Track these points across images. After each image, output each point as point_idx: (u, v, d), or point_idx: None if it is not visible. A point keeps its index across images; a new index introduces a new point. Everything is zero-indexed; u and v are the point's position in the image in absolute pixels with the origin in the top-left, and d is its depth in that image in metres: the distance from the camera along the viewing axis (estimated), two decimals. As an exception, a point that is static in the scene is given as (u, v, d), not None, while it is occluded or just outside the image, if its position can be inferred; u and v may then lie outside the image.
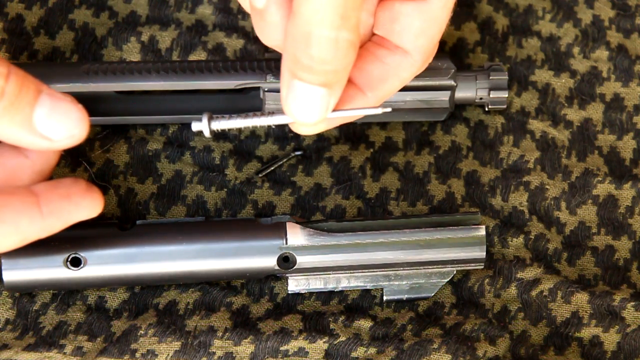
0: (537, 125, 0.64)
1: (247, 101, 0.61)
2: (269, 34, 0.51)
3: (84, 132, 0.48)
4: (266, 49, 0.64)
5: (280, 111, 0.50)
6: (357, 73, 0.52)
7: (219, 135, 0.62)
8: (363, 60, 0.52)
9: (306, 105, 0.49)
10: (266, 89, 0.59)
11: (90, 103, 0.60)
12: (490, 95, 0.62)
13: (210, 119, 0.51)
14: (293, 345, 0.57)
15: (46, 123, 0.48)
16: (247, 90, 0.61)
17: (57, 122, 0.48)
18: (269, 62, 0.60)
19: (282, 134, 0.63)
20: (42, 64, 0.62)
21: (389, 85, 0.53)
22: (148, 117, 0.61)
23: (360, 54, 0.51)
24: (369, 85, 0.52)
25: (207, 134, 0.51)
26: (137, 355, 0.56)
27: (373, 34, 0.54)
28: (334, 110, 0.50)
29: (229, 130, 0.52)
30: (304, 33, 0.46)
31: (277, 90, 0.59)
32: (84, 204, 0.50)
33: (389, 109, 0.52)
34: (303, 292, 0.58)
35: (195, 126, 0.51)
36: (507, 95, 0.62)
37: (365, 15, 0.52)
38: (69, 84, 0.59)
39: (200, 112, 0.61)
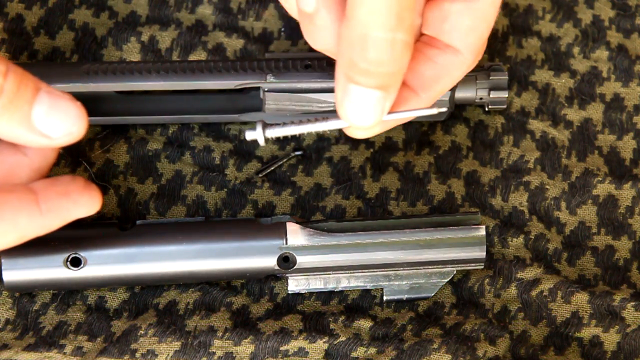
0: (537, 125, 0.64)
1: (247, 101, 0.61)
2: (318, 37, 0.51)
3: (83, 130, 0.48)
4: (266, 49, 0.64)
5: (334, 116, 0.50)
6: (409, 74, 0.52)
7: (219, 135, 0.62)
8: (415, 61, 0.52)
9: (363, 109, 0.49)
10: (266, 89, 0.59)
11: (90, 103, 0.60)
12: (490, 95, 0.62)
13: (264, 127, 0.51)
14: (293, 345, 0.57)
15: (45, 120, 0.48)
16: (247, 90, 0.61)
17: (56, 119, 0.48)
18: (269, 62, 0.60)
19: (282, 134, 0.63)
20: (42, 64, 0.62)
21: (442, 84, 0.53)
22: (148, 117, 0.61)
23: (412, 55, 0.50)
24: (422, 85, 0.52)
25: (261, 142, 0.51)
26: (137, 355, 0.56)
27: (422, 34, 0.54)
28: (389, 113, 0.50)
29: (284, 137, 0.51)
30: (360, 36, 0.46)
31: (277, 90, 0.59)
32: (82, 202, 0.50)
33: (444, 109, 0.52)
34: (303, 292, 0.58)
35: (250, 135, 0.51)
36: (507, 95, 0.62)
37: (415, 16, 0.52)
38: (69, 84, 0.59)
39: (200, 112, 0.61)
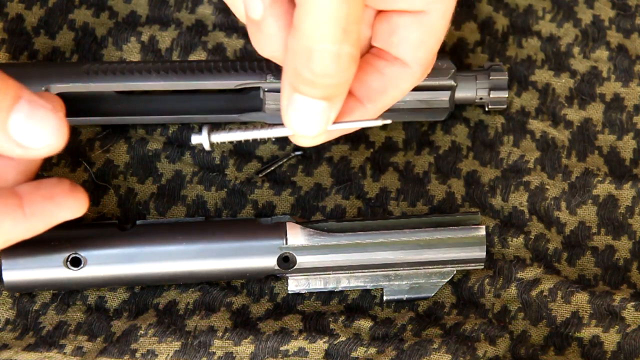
0: (537, 125, 0.64)
1: (247, 101, 0.61)
2: (265, 45, 0.50)
3: (61, 143, 0.47)
4: (266, 49, 0.65)
5: (279, 124, 0.50)
6: (356, 85, 0.52)
7: (219, 135, 0.62)
8: (362, 71, 0.52)
9: (307, 119, 0.49)
10: (266, 89, 0.59)
11: (90, 103, 0.60)
12: (490, 95, 0.62)
13: (210, 132, 0.51)
14: (293, 345, 0.57)
15: (21, 130, 0.46)
16: (247, 90, 0.61)
17: (33, 130, 0.46)
18: (269, 62, 0.60)
19: (282, 134, 0.63)
20: (42, 64, 0.62)
21: (389, 96, 0.53)
22: (148, 117, 0.61)
23: (359, 66, 0.51)
24: (368, 96, 0.52)
25: (207, 146, 0.51)
26: (137, 355, 0.56)
27: (371, 46, 0.53)
28: (334, 123, 0.50)
29: (229, 142, 0.52)
30: (305, 47, 0.46)
31: (277, 90, 0.59)
32: (67, 205, 0.49)
33: (388, 121, 0.52)
34: (303, 292, 0.58)
35: (195, 139, 0.51)
36: (507, 95, 0.62)
37: (364, 28, 0.52)
38: (69, 84, 0.59)
39: (200, 112, 0.61)
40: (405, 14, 0.52)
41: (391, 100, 0.53)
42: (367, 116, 0.52)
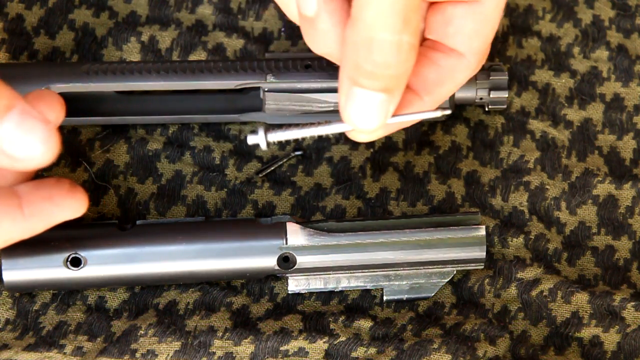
0: (537, 125, 0.64)
1: (247, 101, 0.61)
2: (320, 42, 0.50)
3: (48, 156, 0.46)
4: (266, 49, 0.64)
5: (337, 120, 0.50)
6: (413, 77, 0.51)
7: (219, 135, 0.62)
8: (418, 64, 0.52)
9: (367, 113, 0.48)
10: (266, 89, 0.59)
11: (90, 103, 0.60)
12: (490, 95, 0.62)
13: (266, 132, 0.50)
14: (293, 345, 0.57)
15: (9, 140, 0.46)
16: (247, 90, 0.61)
17: (22, 141, 0.46)
18: (269, 62, 0.60)
19: (282, 134, 0.63)
20: (42, 64, 0.62)
21: (446, 88, 0.53)
22: (148, 117, 0.61)
23: (416, 59, 0.50)
24: (426, 89, 0.52)
25: (264, 147, 0.50)
26: (137, 355, 0.56)
27: (425, 39, 0.53)
28: (393, 116, 0.50)
29: (286, 141, 0.52)
30: (365, 38, 0.46)
31: (277, 90, 0.59)
32: (66, 205, 0.49)
33: (448, 111, 0.52)
34: (303, 292, 0.58)
35: (252, 139, 0.50)
36: (507, 95, 0.62)
37: (419, 19, 0.52)
38: (69, 84, 0.59)
39: (200, 112, 0.61)
40: (459, 4, 0.52)
41: (448, 91, 0.53)
42: (424, 109, 0.52)
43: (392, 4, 0.45)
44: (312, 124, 0.51)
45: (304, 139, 0.62)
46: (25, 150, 0.46)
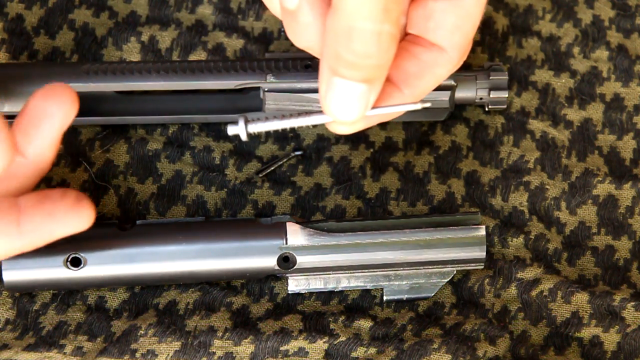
0: (537, 125, 0.64)
1: (247, 101, 0.61)
2: (301, 35, 0.50)
3: (4, 161, 0.47)
4: (266, 49, 0.64)
5: (317, 111, 0.50)
6: (393, 70, 0.51)
7: (219, 135, 0.62)
8: (399, 57, 0.52)
9: (346, 103, 0.48)
10: (266, 89, 0.59)
11: (90, 103, 0.60)
12: (490, 95, 0.62)
13: (246, 122, 0.50)
14: (293, 345, 0.57)
15: None
16: (247, 90, 0.61)
17: None
18: (268, 62, 0.60)
19: (282, 134, 0.63)
20: (42, 64, 0.62)
21: (426, 81, 0.52)
22: (148, 117, 0.61)
23: (396, 52, 0.50)
24: (406, 81, 0.52)
25: (244, 137, 0.50)
26: (137, 355, 0.56)
27: (407, 34, 0.53)
28: (372, 108, 0.49)
29: (266, 131, 0.52)
30: (346, 27, 0.46)
31: (277, 90, 0.59)
32: (68, 221, 0.49)
33: (428, 104, 0.51)
34: (303, 292, 0.58)
35: (232, 130, 0.50)
36: (507, 95, 0.62)
37: (400, 13, 0.52)
38: (68, 84, 0.58)
39: (200, 112, 0.61)
40: None
41: (428, 85, 0.53)
42: (404, 101, 0.52)
43: None
44: (292, 115, 0.51)
45: (303, 137, 0.63)
46: None
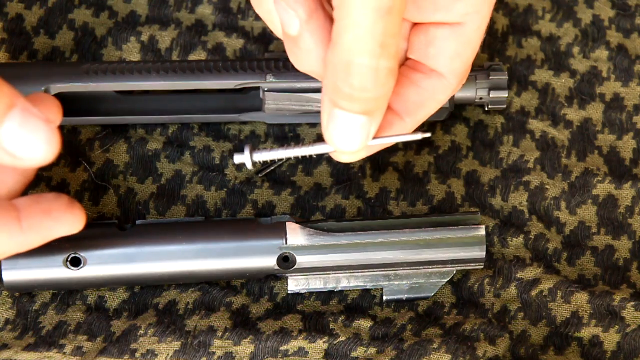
0: (537, 125, 0.64)
1: (247, 101, 0.61)
2: (303, 60, 0.51)
3: (52, 155, 0.46)
4: (266, 49, 0.64)
5: (320, 141, 0.52)
6: (394, 99, 0.53)
7: (219, 135, 0.62)
8: (400, 85, 0.53)
9: (348, 134, 0.49)
10: (266, 89, 0.59)
11: (90, 103, 0.60)
12: (490, 95, 0.62)
13: (252, 151, 0.52)
14: (293, 345, 0.57)
15: (12, 139, 0.46)
16: (247, 90, 0.61)
17: (24, 140, 0.46)
18: (269, 62, 0.60)
19: (282, 134, 0.63)
20: (42, 64, 0.62)
21: (427, 109, 0.54)
22: (148, 117, 0.61)
23: (397, 81, 0.51)
24: (407, 110, 0.53)
25: (249, 166, 0.52)
26: (137, 355, 0.56)
27: (407, 59, 0.54)
28: (374, 138, 0.51)
29: (270, 161, 0.54)
30: (344, 62, 0.47)
31: (277, 90, 0.59)
32: (64, 220, 0.49)
33: (428, 134, 0.53)
34: (303, 292, 0.58)
35: (238, 158, 0.52)
36: (507, 95, 0.62)
37: (400, 40, 0.53)
38: (68, 84, 0.59)
39: (200, 112, 0.61)
40: (442, 26, 0.53)
41: (429, 112, 0.54)
42: (406, 129, 0.53)
43: (370, 30, 0.46)
44: (296, 145, 0.52)
45: (303, 137, 0.63)
46: (27, 148, 0.46)
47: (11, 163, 0.47)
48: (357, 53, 0.46)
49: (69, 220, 0.49)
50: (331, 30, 0.48)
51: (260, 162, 0.53)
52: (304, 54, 0.50)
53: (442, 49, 0.53)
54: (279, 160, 0.61)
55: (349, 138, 0.49)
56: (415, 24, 0.54)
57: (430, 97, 0.54)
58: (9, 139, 0.46)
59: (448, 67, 0.53)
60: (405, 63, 0.54)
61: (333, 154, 0.52)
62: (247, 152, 0.52)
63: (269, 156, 0.52)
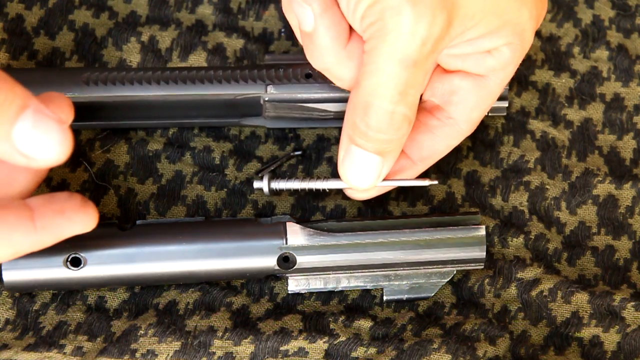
0: (537, 125, 0.64)
1: (247, 108, 0.61)
2: (319, 56, 0.53)
3: (64, 155, 0.47)
4: (266, 49, 0.64)
5: (335, 177, 0.57)
6: (408, 142, 0.56)
7: (219, 136, 0.62)
8: (415, 131, 0.56)
9: (360, 171, 0.53)
10: (266, 99, 0.59)
11: (90, 109, 0.60)
12: None
13: (270, 180, 0.58)
14: (293, 345, 0.57)
15: (25, 140, 0.46)
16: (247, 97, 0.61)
17: (37, 140, 0.46)
18: (269, 71, 0.59)
19: (282, 134, 0.63)
20: (42, 71, 0.61)
21: (438, 153, 0.57)
22: (148, 122, 0.61)
23: (413, 125, 0.55)
24: (419, 154, 0.57)
25: (266, 191, 0.59)
26: (137, 355, 0.56)
27: (425, 100, 0.57)
28: (384, 180, 0.55)
29: (286, 189, 0.59)
30: (364, 102, 0.51)
31: (277, 100, 0.59)
32: (77, 219, 0.49)
33: (435, 182, 0.57)
34: (303, 292, 0.58)
35: (257, 184, 0.59)
36: (507, 105, 0.61)
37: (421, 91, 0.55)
38: (68, 94, 0.58)
39: (200, 116, 0.61)
40: (467, 77, 0.56)
41: (439, 156, 0.58)
42: (416, 172, 0.58)
43: (392, 78, 0.50)
44: (311, 179, 0.58)
45: (303, 138, 0.63)
46: (40, 149, 0.46)
47: (24, 163, 0.47)
48: (376, 96, 0.50)
49: (81, 219, 0.50)
50: (344, 26, 0.52)
51: (276, 189, 0.59)
52: (319, 50, 0.53)
53: (464, 99, 0.56)
54: (279, 160, 0.62)
55: (361, 175, 0.53)
56: (437, 69, 0.56)
57: (444, 143, 0.57)
58: (22, 139, 0.46)
59: (466, 116, 0.56)
60: (423, 104, 0.57)
61: (346, 190, 0.57)
62: (265, 180, 0.58)
63: (284, 185, 0.58)
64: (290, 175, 0.60)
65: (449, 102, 0.56)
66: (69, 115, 0.50)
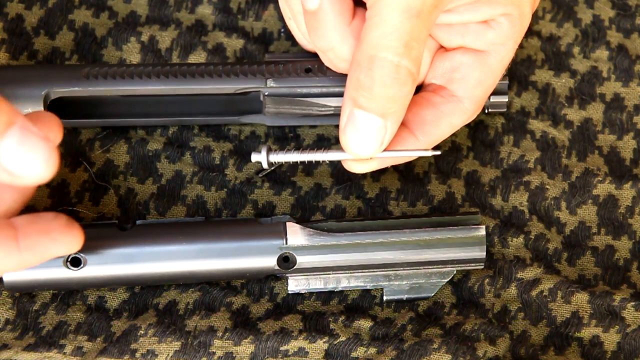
0: (537, 125, 0.64)
1: (247, 103, 0.61)
2: (323, 35, 0.53)
3: (49, 173, 0.46)
4: (266, 49, 0.64)
5: (336, 148, 0.55)
6: (411, 117, 0.55)
7: (219, 135, 0.62)
8: (418, 105, 0.55)
9: (363, 137, 0.52)
10: (266, 93, 0.59)
11: (90, 105, 0.60)
12: (491, 100, 0.62)
13: (268, 152, 0.56)
14: (293, 345, 0.57)
15: (10, 157, 0.45)
16: (247, 92, 0.61)
17: (22, 158, 0.45)
18: (269, 65, 0.60)
19: (282, 133, 0.63)
20: (42, 67, 0.61)
21: (441, 130, 0.56)
22: (148, 119, 0.61)
23: (415, 100, 0.55)
24: (422, 129, 0.55)
25: (265, 164, 0.56)
26: (137, 355, 0.56)
27: (428, 84, 0.57)
28: (386, 150, 0.54)
29: (285, 162, 0.59)
30: (368, 57, 0.50)
31: (277, 95, 0.59)
32: (62, 240, 0.49)
33: (438, 152, 0.56)
34: (303, 292, 0.58)
35: (255, 157, 0.56)
36: (507, 100, 0.62)
37: (424, 47, 0.54)
38: (69, 89, 0.58)
39: (201, 114, 0.61)
40: (467, 52, 0.55)
41: (443, 134, 0.56)
42: (418, 147, 0.56)
43: (397, 29, 0.49)
44: (311, 150, 0.56)
45: (303, 138, 0.63)
46: (25, 167, 0.46)
47: (9, 181, 0.46)
48: (381, 48, 0.49)
49: (66, 240, 0.49)
50: (350, 5, 0.51)
51: (275, 162, 0.56)
52: (323, 28, 0.52)
53: (466, 75, 0.56)
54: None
55: (363, 141, 0.52)
56: (438, 51, 0.56)
57: (446, 119, 0.56)
58: (7, 156, 0.45)
59: (469, 93, 0.56)
60: (426, 88, 0.57)
61: (345, 163, 0.55)
62: (264, 152, 0.56)
63: (283, 158, 0.56)
64: (288, 148, 0.58)
65: (451, 79, 0.56)
66: (57, 134, 0.49)
